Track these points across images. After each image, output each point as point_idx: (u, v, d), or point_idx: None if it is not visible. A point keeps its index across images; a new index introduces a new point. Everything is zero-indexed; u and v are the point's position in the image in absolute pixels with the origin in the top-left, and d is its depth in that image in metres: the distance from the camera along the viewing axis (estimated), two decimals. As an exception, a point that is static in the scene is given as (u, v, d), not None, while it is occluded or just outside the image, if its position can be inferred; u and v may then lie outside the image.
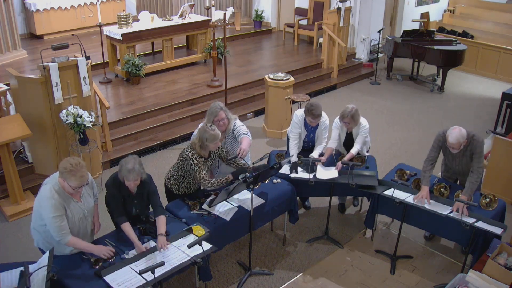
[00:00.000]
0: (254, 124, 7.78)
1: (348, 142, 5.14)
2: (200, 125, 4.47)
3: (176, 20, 8.85)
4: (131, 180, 3.62)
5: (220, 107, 4.45)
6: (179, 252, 3.61)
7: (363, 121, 4.98)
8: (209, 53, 9.03)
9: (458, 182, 4.84)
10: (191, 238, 3.77)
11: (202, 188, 4.47)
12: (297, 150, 5.08)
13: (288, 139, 5.32)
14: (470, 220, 4.06)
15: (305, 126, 5.11)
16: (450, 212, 4.22)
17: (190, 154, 4.12)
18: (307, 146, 5.25)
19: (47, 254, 3.32)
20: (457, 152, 4.35)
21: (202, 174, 4.11)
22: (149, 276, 3.23)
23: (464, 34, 11.10)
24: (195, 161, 4.10)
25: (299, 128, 5.07)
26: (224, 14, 7.33)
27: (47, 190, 3.38)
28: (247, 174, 4.00)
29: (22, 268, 3.38)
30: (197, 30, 9.06)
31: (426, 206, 4.30)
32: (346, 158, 4.89)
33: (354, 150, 4.94)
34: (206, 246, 3.68)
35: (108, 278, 3.33)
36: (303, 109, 5.06)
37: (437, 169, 5.56)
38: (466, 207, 4.15)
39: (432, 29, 10.03)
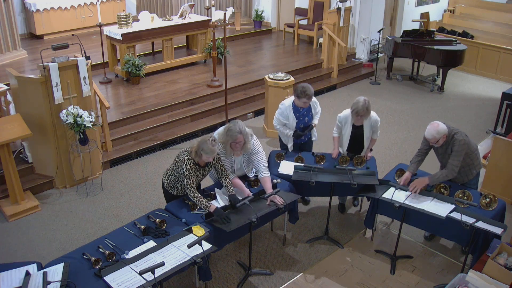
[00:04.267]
0: (254, 124, 7.78)
1: (358, 136, 5.12)
2: (219, 129, 4.53)
3: (176, 20, 8.85)
4: None
5: (239, 131, 4.24)
6: (179, 252, 3.61)
7: (372, 113, 5.03)
8: (209, 53, 9.03)
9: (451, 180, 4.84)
10: (191, 238, 3.77)
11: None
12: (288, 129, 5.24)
13: (280, 139, 5.48)
14: (470, 220, 4.06)
15: (296, 112, 5.15)
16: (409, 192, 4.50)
17: (186, 158, 4.13)
18: (304, 138, 5.30)
19: (61, 266, 3.41)
20: (439, 147, 4.51)
21: (189, 181, 4.11)
22: (149, 276, 3.24)
23: (464, 34, 11.10)
24: (188, 167, 4.11)
25: (286, 120, 5.16)
26: (224, 14, 7.32)
27: None
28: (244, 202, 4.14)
29: (25, 269, 3.42)
30: (197, 30, 9.06)
31: (426, 208, 4.29)
32: (370, 146, 5.14)
33: (375, 136, 5.17)
34: (206, 246, 3.68)
35: (108, 278, 3.33)
36: (289, 98, 5.21)
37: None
38: (421, 189, 4.49)
39: (432, 29, 10.02)
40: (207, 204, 4.08)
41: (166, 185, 4.41)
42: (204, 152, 4.02)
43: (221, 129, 4.51)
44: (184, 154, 4.16)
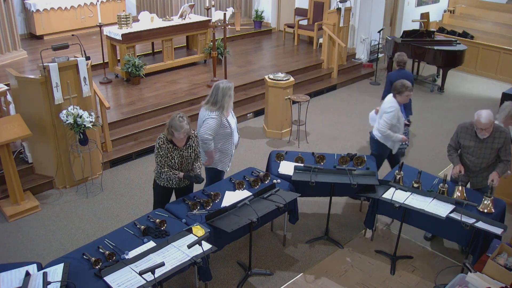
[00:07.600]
0: (254, 124, 7.79)
1: None
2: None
3: (176, 21, 8.85)
4: None
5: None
6: (179, 252, 3.61)
7: None
8: (209, 53, 9.03)
9: (469, 185, 4.82)
10: (191, 238, 3.77)
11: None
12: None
13: (378, 146, 5.40)
14: (470, 221, 4.06)
15: (402, 110, 5.35)
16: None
17: (158, 138, 4.25)
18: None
19: (61, 266, 3.41)
20: (479, 142, 4.47)
21: (158, 159, 4.25)
22: (149, 276, 3.23)
23: (464, 35, 11.10)
24: (157, 145, 4.23)
25: (397, 122, 5.19)
26: (224, 14, 7.33)
27: None
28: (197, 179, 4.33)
29: (25, 269, 3.42)
30: (197, 30, 9.07)
31: (426, 208, 4.28)
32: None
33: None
34: (206, 246, 3.67)
35: (108, 279, 3.33)
36: (388, 101, 5.20)
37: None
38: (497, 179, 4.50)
39: (432, 29, 10.03)
40: (174, 173, 4.28)
41: (155, 176, 4.47)
42: (174, 128, 4.10)
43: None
44: (160, 135, 4.28)
